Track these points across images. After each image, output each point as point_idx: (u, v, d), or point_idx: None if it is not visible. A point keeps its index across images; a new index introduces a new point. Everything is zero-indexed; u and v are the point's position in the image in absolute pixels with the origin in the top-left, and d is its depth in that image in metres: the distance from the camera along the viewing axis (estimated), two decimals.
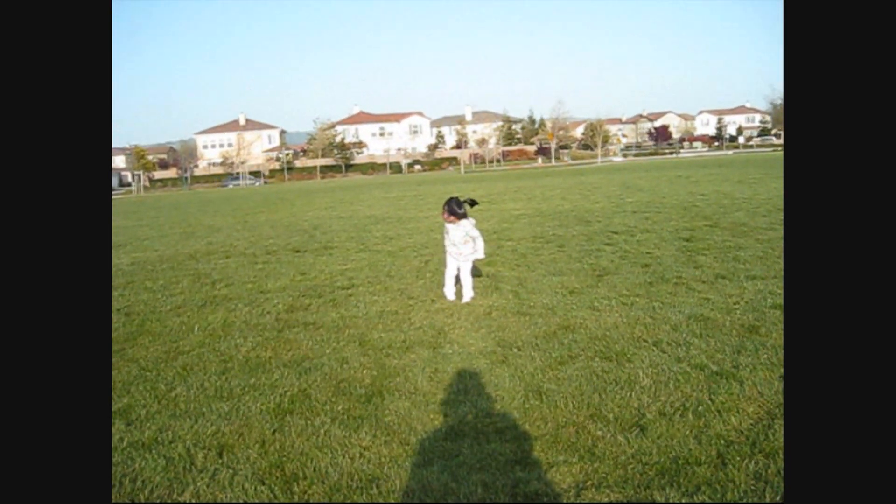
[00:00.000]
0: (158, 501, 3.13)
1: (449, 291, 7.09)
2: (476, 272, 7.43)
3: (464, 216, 6.95)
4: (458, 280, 7.13)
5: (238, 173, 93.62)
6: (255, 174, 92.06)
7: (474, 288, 7.15)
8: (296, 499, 3.07)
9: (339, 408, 4.14)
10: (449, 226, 7.00)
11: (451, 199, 7.00)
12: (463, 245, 6.94)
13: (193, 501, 3.11)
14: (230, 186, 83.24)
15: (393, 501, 3.01)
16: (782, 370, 4.27)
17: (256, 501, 3.07)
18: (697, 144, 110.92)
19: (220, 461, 3.50)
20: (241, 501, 3.08)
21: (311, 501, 3.05)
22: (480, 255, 7.06)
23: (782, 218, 11.90)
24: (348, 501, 3.02)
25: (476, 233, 6.99)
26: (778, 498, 2.83)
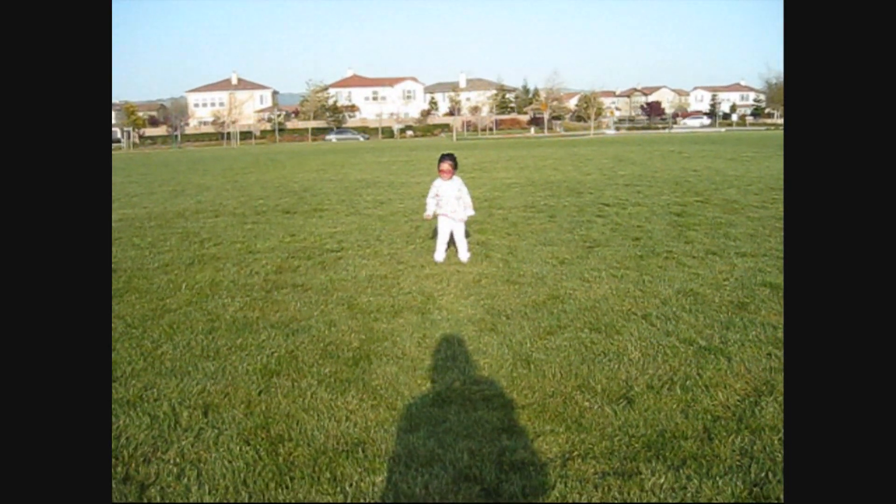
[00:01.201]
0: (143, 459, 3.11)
1: (441, 256, 7.20)
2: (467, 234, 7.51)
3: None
4: (449, 244, 7.26)
5: (342, 126, 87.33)
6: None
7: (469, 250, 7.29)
8: (281, 460, 3.05)
9: (326, 370, 4.12)
10: (442, 184, 7.11)
11: (447, 153, 7.21)
12: (456, 202, 7.07)
13: (178, 460, 3.08)
14: (333, 140, 77.21)
15: (378, 466, 3.00)
16: (770, 347, 4.28)
17: (241, 462, 3.05)
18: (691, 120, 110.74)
19: (205, 420, 3.47)
20: (226, 461, 3.05)
21: (296, 463, 3.04)
22: (471, 211, 7.27)
23: (774, 196, 11.91)
24: (334, 464, 3.01)
25: (465, 188, 7.23)
26: (762, 474, 2.85)
